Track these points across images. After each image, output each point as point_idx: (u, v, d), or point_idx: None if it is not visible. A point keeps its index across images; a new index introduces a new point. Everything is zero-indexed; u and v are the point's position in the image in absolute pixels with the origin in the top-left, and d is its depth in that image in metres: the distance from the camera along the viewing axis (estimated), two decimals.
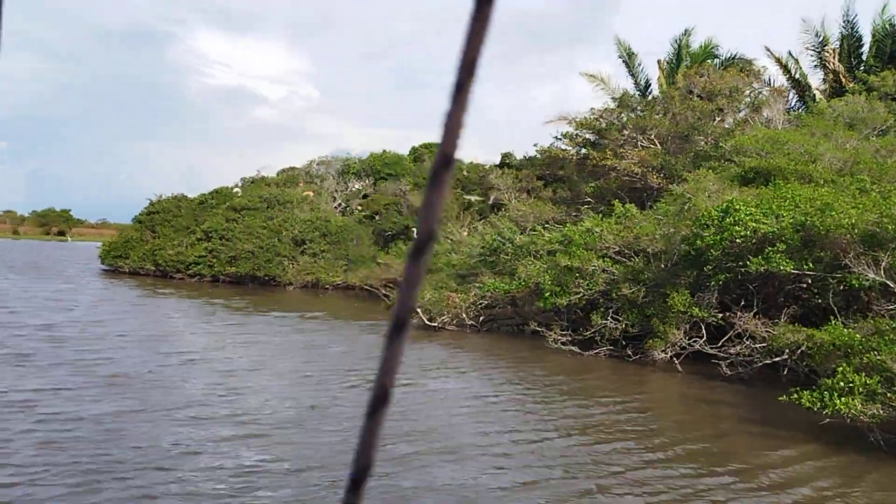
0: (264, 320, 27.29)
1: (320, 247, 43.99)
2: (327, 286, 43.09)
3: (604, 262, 22.80)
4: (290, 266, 43.70)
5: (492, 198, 45.79)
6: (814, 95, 41.88)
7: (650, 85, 46.22)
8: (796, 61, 43.67)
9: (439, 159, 0.57)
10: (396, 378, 0.60)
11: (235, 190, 51.78)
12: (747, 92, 35.34)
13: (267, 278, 43.55)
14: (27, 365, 15.54)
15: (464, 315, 26.36)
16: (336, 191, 50.76)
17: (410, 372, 18.64)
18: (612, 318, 21.70)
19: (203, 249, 45.33)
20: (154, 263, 47.60)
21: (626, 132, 35.41)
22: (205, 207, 49.53)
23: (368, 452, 0.60)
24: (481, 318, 26.75)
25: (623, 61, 46.54)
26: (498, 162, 53.50)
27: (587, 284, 22.82)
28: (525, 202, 38.72)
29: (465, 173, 51.00)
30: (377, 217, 46.84)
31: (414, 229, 39.44)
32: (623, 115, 36.55)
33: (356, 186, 52.05)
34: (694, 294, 20.28)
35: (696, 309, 19.66)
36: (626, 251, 23.25)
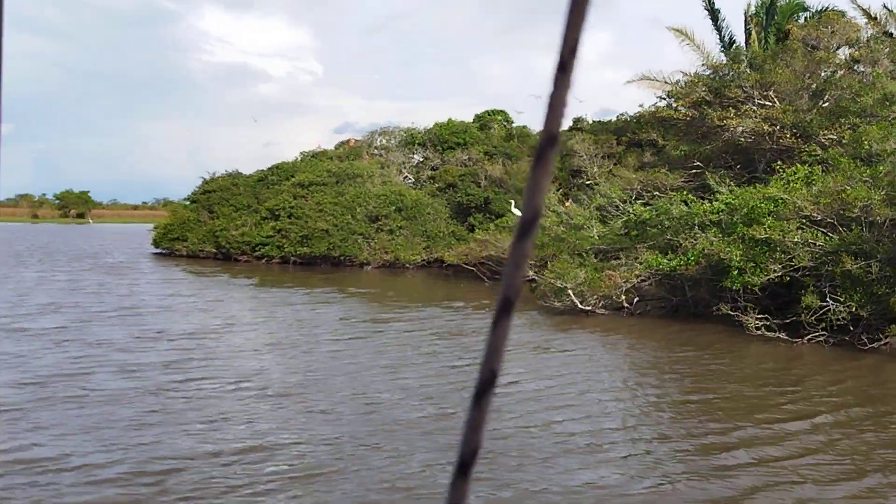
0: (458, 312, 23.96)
1: (397, 223, 41.00)
2: (408, 265, 40.15)
3: (808, 233, 19.84)
4: (366, 245, 40.75)
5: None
6: None
7: (735, 41, 43.11)
8: (890, 12, 40.51)
9: (545, 137, 0.59)
10: (502, 360, 0.60)
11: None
12: (886, 42, 32.29)
13: (343, 258, 40.57)
14: (276, 399, 12.25)
15: (622, 297, 23.44)
16: (403, 163, 47.62)
17: (601, 369, 15.83)
18: (831, 298, 18.71)
19: (271, 229, 42.29)
20: (216, 245, 44.61)
21: (746, 89, 32.30)
22: (265, 184, 46.45)
23: (476, 435, 0.59)
24: (636, 300, 23.85)
25: (709, 15, 43.40)
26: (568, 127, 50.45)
27: (785, 259, 19.92)
28: (628, 168, 35.65)
29: (538, 138, 47.96)
30: (451, 189, 43.74)
31: (512, 201, 36.53)
32: (739, 70, 33.43)
33: (418, 157, 48.94)
34: None
35: None
36: (829, 220, 20.28)
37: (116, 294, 26.56)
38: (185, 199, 50.57)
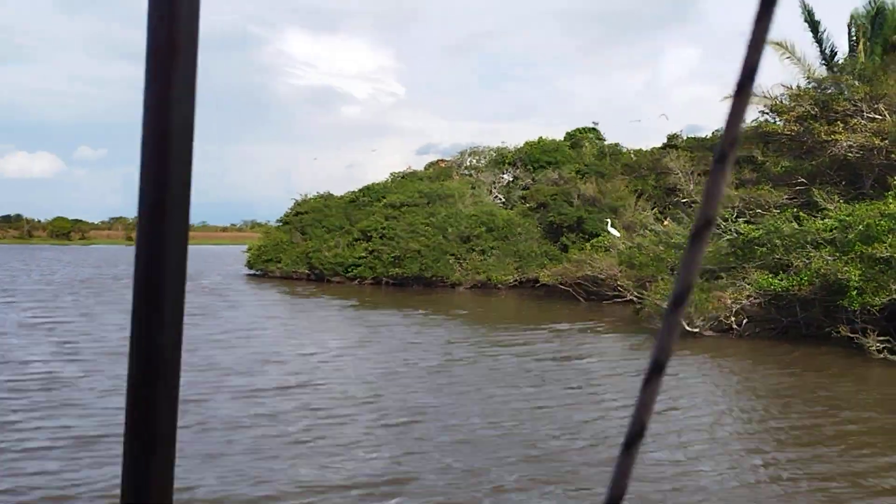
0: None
1: (488, 243, 40.70)
2: (500, 285, 39.79)
3: None
4: (458, 265, 40.53)
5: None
6: None
7: (836, 52, 41.67)
8: None
9: (701, 220, 0.59)
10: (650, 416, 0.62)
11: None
12: None
13: (435, 279, 40.42)
14: (400, 427, 11.73)
15: (732, 319, 22.68)
16: (493, 183, 47.38)
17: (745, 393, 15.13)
18: None
19: (363, 250, 42.50)
20: (309, 266, 44.98)
21: (855, 102, 31.10)
22: (356, 206, 46.70)
23: (622, 482, 0.62)
24: (745, 321, 23.06)
25: (809, 27, 42.07)
26: (661, 144, 49.59)
27: None
28: (727, 186, 34.64)
29: (633, 157, 47.27)
30: (542, 209, 43.25)
31: (608, 220, 35.92)
32: (847, 83, 32.23)
33: (508, 177, 48.64)
34: None
35: None
36: None
37: (219, 317, 26.66)
38: (277, 221, 51.13)
